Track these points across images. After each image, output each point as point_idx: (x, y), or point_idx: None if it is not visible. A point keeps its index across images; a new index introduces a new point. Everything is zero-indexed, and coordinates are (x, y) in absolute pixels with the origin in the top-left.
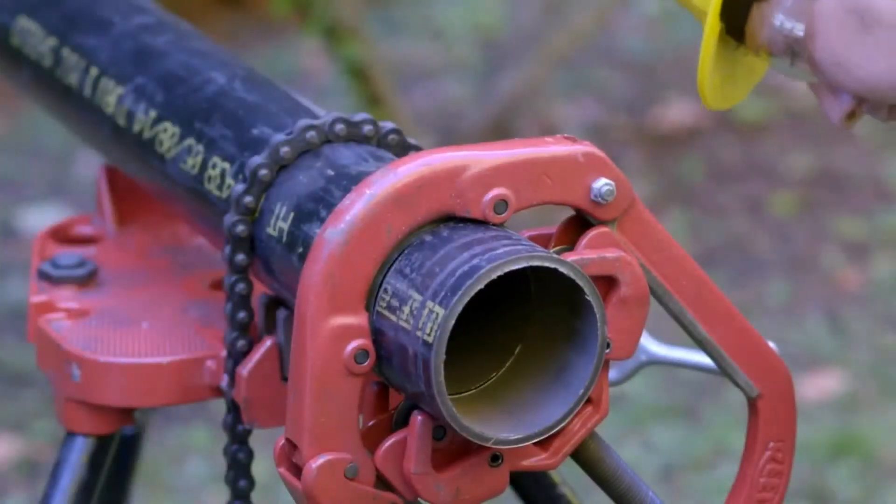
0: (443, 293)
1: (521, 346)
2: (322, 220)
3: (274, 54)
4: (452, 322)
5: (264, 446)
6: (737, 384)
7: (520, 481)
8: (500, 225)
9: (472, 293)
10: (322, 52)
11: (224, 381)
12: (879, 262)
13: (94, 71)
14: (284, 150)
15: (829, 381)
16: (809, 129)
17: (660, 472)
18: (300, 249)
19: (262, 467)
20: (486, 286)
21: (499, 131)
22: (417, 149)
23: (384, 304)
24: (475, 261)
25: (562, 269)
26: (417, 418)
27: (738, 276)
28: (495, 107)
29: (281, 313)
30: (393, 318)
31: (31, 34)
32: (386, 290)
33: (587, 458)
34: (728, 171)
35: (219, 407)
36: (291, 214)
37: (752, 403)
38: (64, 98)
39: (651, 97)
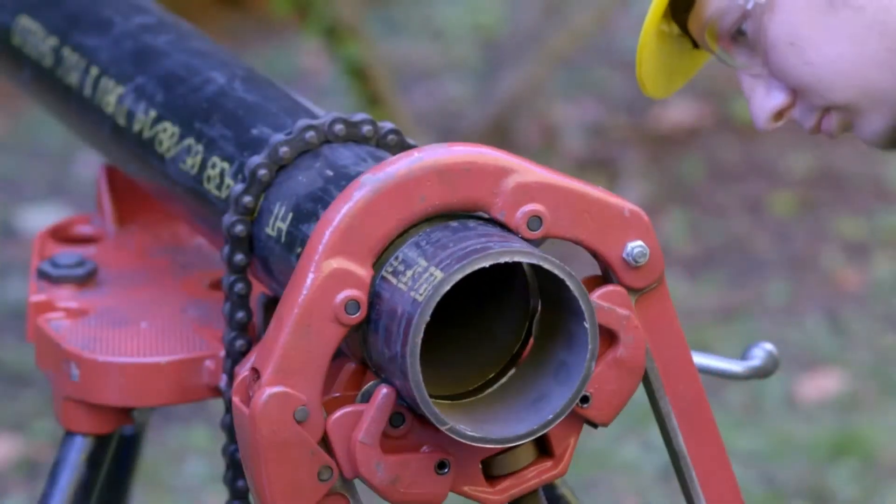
0: (447, 261)
1: (515, 370)
2: None
3: (274, 54)
4: (447, 287)
5: None
6: None
7: None
8: (530, 241)
9: (476, 267)
10: (322, 52)
11: (223, 380)
12: (879, 262)
13: (94, 70)
14: (283, 150)
15: (829, 381)
16: None
17: (660, 472)
18: (299, 249)
19: None
20: (494, 303)
21: (499, 131)
22: None
23: (390, 270)
24: (489, 243)
25: (558, 273)
26: (382, 390)
27: (738, 276)
28: (495, 107)
29: None
30: (394, 280)
31: (32, 33)
32: (397, 258)
33: None
34: (728, 171)
35: (218, 406)
36: (290, 214)
37: None
38: (64, 97)
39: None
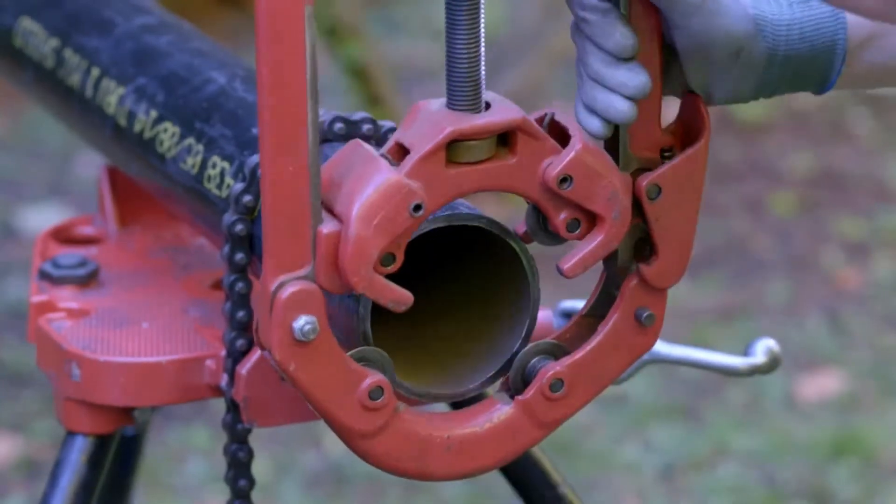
0: None
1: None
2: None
3: None
4: None
5: (264, 445)
6: None
7: (520, 481)
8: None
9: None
10: (322, 52)
11: (224, 380)
12: (879, 262)
13: (95, 72)
14: None
15: (829, 381)
16: (809, 129)
17: (660, 472)
18: None
19: (262, 466)
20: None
21: None
22: None
23: None
24: None
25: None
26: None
27: (738, 276)
28: None
29: None
30: None
31: (34, 35)
32: None
33: None
34: (728, 171)
35: (219, 406)
36: None
37: None
38: (66, 98)
39: None
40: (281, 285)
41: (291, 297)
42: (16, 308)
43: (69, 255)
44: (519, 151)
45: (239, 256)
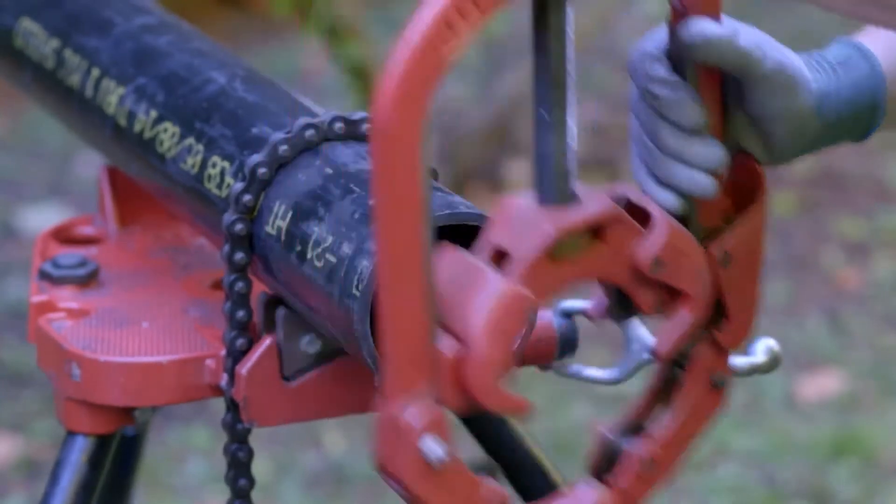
0: None
1: None
2: (320, 219)
3: (274, 54)
4: None
5: (264, 445)
6: None
7: (521, 481)
8: None
9: None
10: (322, 52)
11: (224, 379)
12: (879, 262)
13: (95, 72)
14: (283, 148)
15: (829, 381)
16: None
17: None
18: (298, 248)
19: (262, 466)
20: None
21: (499, 131)
22: None
23: None
24: None
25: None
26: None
27: None
28: (496, 107)
29: (280, 312)
30: None
31: (34, 35)
32: None
33: None
34: None
35: (219, 406)
36: (290, 213)
37: None
38: (66, 99)
39: None
40: (408, 410)
41: (424, 425)
42: (16, 308)
43: (69, 255)
44: (609, 239)
45: (239, 256)
